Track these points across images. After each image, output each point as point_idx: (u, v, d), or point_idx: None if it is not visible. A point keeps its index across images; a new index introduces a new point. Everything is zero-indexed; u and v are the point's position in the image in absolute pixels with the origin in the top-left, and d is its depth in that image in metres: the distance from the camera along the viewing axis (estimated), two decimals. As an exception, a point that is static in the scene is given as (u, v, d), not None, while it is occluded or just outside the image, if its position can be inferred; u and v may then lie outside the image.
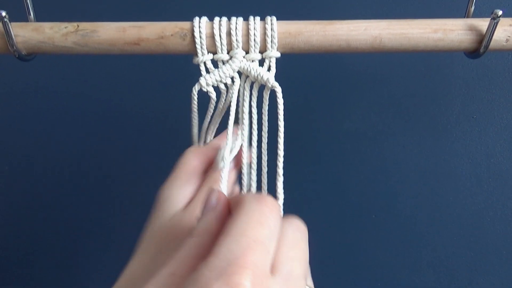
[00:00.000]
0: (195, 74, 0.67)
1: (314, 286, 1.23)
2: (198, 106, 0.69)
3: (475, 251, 1.21)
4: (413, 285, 1.24)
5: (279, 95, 0.64)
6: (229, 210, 0.46)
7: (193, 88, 0.67)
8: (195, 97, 0.68)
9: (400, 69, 1.08)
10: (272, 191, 0.63)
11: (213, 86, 0.67)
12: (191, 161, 0.69)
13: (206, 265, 0.36)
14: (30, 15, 0.69)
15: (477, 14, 0.66)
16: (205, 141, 0.75)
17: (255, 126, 0.68)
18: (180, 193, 0.66)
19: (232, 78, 0.67)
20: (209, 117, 0.72)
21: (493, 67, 1.07)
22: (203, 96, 0.68)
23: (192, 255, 0.41)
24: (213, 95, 0.68)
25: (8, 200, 1.25)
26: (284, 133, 0.66)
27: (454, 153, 1.14)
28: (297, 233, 0.45)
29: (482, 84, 1.08)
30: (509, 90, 1.08)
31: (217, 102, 0.70)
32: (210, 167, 0.70)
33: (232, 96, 0.67)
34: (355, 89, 1.10)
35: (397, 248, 1.22)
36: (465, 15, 0.68)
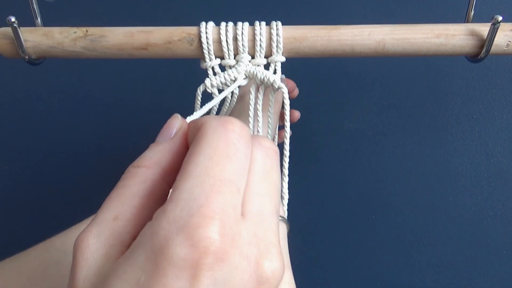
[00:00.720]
0: (201, 76, 0.68)
1: (314, 286, 1.23)
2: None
3: (475, 251, 1.21)
4: (413, 285, 1.24)
5: (286, 95, 0.65)
6: (187, 143, 0.38)
7: (198, 88, 0.68)
8: (199, 96, 0.68)
9: (400, 70, 1.09)
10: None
11: (218, 88, 0.68)
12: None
13: (163, 214, 0.30)
14: (37, 19, 0.69)
15: (477, 18, 0.67)
16: None
17: (260, 129, 0.69)
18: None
19: (235, 81, 0.67)
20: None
21: (493, 68, 1.07)
22: (208, 98, 0.69)
23: (138, 193, 0.34)
24: (216, 96, 0.69)
25: (8, 200, 1.25)
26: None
27: (454, 153, 1.14)
28: (267, 160, 0.37)
29: (482, 84, 1.09)
30: (509, 90, 1.08)
31: (220, 105, 0.71)
32: None
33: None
34: (355, 89, 1.11)
35: (397, 248, 1.22)
36: (465, 19, 0.69)
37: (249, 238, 0.32)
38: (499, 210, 1.17)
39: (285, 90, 0.66)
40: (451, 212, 1.18)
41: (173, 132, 0.38)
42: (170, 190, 0.34)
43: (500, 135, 1.12)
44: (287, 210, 0.66)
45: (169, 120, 0.39)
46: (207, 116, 0.36)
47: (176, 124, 0.39)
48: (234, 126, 0.34)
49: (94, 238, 0.32)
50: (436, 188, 1.17)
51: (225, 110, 0.74)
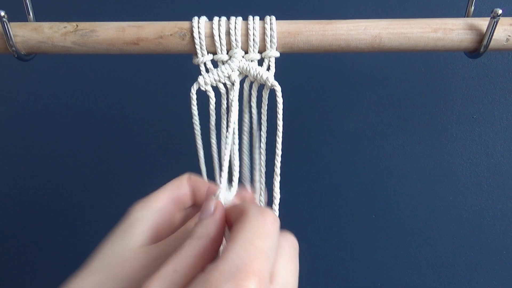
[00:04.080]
0: (194, 73, 0.67)
1: (314, 286, 1.23)
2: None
3: (475, 251, 1.21)
4: (413, 285, 1.24)
5: (279, 94, 0.64)
6: (227, 219, 0.50)
7: (192, 87, 0.67)
8: (194, 97, 0.67)
9: (400, 69, 1.08)
10: (270, 190, 0.63)
11: (212, 86, 0.67)
12: (182, 186, 0.64)
13: (216, 268, 0.39)
14: (30, 15, 0.69)
15: (477, 14, 0.66)
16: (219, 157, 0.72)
17: (255, 126, 0.68)
18: (154, 219, 0.59)
19: (229, 77, 0.66)
20: (213, 124, 0.71)
21: (493, 67, 1.07)
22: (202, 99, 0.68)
23: (194, 255, 0.45)
24: (211, 94, 0.68)
25: (8, 200, 1.25)
26: (283, 132, 0.66)
27: (454, 153, 1.14)
28: (292, 249, 0.49)
29: (482, 84, 1.08)
30: (509, 90, 1.08)
31: (217, 103, 0.70)
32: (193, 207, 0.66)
33: (233, 97, 0.67)
34: (355, 89, 1.10)
35: (397, 248, 1.22)
36: (465, 14, 0.68)
37: None
38: (499, 210, 1.17)
39: (278, 88, 0.65)
40: (451, 212, 1.18)
41: (212, 210, 0.50)
42: (221, 250, 0.47)
43: (500, 135, 1.11)
44: (285, 210, 0.65)
45: (207, 201, 0.51)
46: (248, 204, 0.48)
47: (213, 204, 0.51)
48: (270, 215, 0.46)
49: (157, 283, 0.42)
50: (436, 188, 1.17)
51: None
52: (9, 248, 1.29)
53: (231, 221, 0.50)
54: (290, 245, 0.49)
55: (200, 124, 0.70)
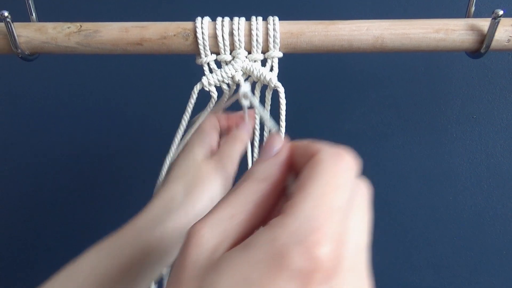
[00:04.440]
0: (198, 73, 0.67)
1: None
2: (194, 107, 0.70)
3: (475, 251, 1.21)
4: (413, 285, 1.24)
5: (282, 95, 0.64)
6: (291, 160, 0.44)
7: (195, 87, 0.67)
8: (195, 95, 0.68)
9: (400, 70, 1.08)
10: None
11: (215, 86, 0.67)
12: (213, 120, 0.78)
13: (283, 226, 0.34)
14: (32, 15, 0.69)
15: (478, 15, 0.66)
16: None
17: (257, 126, 0.68)
18: (208, 142, 0.75)
19: (233, 78, 0.67)
20: (206, 113, 0.73)
21: (493, 67, 1.07)
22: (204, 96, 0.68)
23: (252, 202, 0.40)
24: (214, 95, 0.68)
25: (8, 200, 1.25)
26: (284, 133, 0.66)
27: (454, 153, 1.14)
28: (364, 198, 0.41)
29: (482, 84, 1.08)
30: (509, 90, 1.08)
31: (217, 102, 0.70)
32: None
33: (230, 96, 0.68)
34: (355, 89, 1.10)
35: (397, 248, 1.22)
36: (465, 15, 0.68)
37: (349, 265, 0.35)
38: (499, 210, 1.17)
39: (281, 89, 0.65)
40: (451, 212, 1.18)
41: (277, 149, 0.44)
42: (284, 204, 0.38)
43: (500, 135, 1.11)
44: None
45: (270, 138, 0.45)
46: (321, 144, 0.41)
47: (278, 142, 0.44)
48: (346, 159, 0.39)
49: (209, 229, 0.38)
50: (436, 188, 1.17)
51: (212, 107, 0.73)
52: (9, 248, 1.29)
53: (296, 164, 0.43)
54: (363, 193, 0.41)
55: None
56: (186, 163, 0.73)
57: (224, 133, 0.80)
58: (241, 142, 0.73)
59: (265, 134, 0.70)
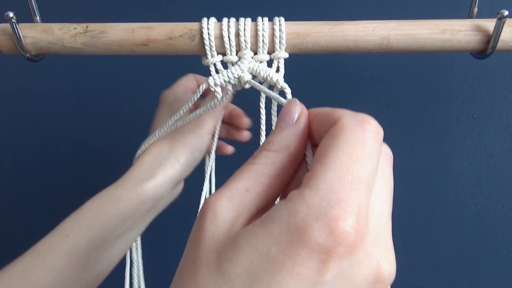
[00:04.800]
0: (204, 73, 0.67)
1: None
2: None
3: (475, 251, 1.21)
4: (413, 285, 1.24)
5: (289, 96, 0.64)
6: (310, 128, 0.42)
7: (201, 86, 0.67)
8: (199, 94, 0.68)
9: (400, 69, 1.08)
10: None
11: (221, 87, 0.67)
12: (190, 79, 0.87)
13: (303, 199, 0.33)
14: (36, 16, 0.69)
15: (481, 15, 0.66)
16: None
17: (263, 127, 0.68)
18: (184, 98, 0.83)
19: (239, 78, 0.67)
20: (206, 109, 0.73)
21: (493, 67, 1.07)
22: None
23: (270, 173, 0.38)
24: (219, 95, 0.68)
25: (8, 200, 1.25)
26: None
27: (454, 153, 1.14)
28: (386, 166, 0.40)
29: (482, 84, 1.08)
30: (509, 90, 1.08)
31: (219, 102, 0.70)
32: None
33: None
34: (355, 89, 1.11)
35: (397, 248, 1.21)
36: (468, 15, 0.68)
37: (372, 238, 0.34)
38: (499, 210, 1.17)
39: (288, 90, 0.65)
40: (451, 212, 1.18)
41: (295, 117, 0.41)
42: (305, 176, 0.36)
43: (500, 135, 1.11)
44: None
45: (288, 106, 0.42)
46: (342, 110, 0.39)
47: (297, 109, 0.42)
48: (371, 126, 0.36)
49: (227, 201, 0.37)
50: (436, 188, 1.17)
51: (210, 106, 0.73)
52: (9, 248, 1.29)
53: (316, 132, 0.41)
54: (387, 160, 0.40)
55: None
56: (166, 119, 0.81)
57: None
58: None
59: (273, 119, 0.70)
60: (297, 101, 0.43)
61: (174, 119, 0.75)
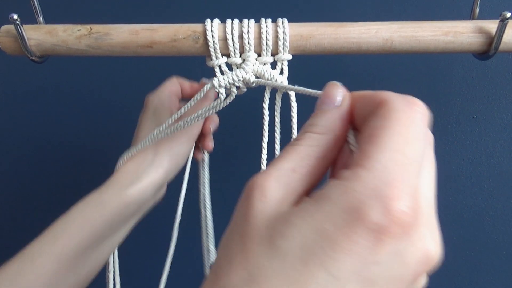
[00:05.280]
0: (207, 75, 0.67)
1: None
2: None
3: (475, 251, 1.21)
4: (413, 285, 1.24)
5: (293, 98, 0.65)
6: (353, 111, 0.42)
7: (205, 86, 0.67)
8: (202, 94, 0.68)
9: (400, 69, 1.08)
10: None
11: (225, 88, 0.68)
12: (174, 83, 0.86)
13: (358, 178, 0.33)
14: (39, 17, 0.69)
15: (482, 16, 0.67)
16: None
17: (266, 128, 0.69)
18: (169, 103, 0.83)
19: (244, 80, 0.67)
20: (208, 109, 0.72)
21: (493, 67, 1.07)
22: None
23: (315, 155, 0.39)
24: (222, 96, 0.68)
25: (8, 200, 1.25)
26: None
27: (454, 153, 1.14)
28: (430, 148, 0.39)
29: (482, 84, 1.08)
30: (509, 90, 1.08)
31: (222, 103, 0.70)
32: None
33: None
34: (355, 89, 1.10)
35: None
36: (470, 16, 0.68)
37: (423, 219, 0.34)
38: (499, 210, 1.17)
39: (292, 93, 0.65)
40: (451, 212, 1.18)
41: (338, 100, 0.41)
42: (354, 155, 0.36)
43: (500, 135, 1.11)
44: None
45: (329, 88, 0.43)
46: (387, 92, 0.38)
47: (340, 92, 0.42)
48: (419, 107, 0.36)
49: (274, 181, 0.37)
50: (436, 188, 1.16)
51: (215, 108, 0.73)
52: (9, 248, 1.29)
53: (359, 115, 0.41)
54: (429, 141, 0.39)
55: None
56: (151, 124, 0.82)
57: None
58: (204, 102, 0.79)
59: (276, 120, 0.69)
60: (338, 84, 0.43)
61: (162, 128, 0.76)
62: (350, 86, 1.08)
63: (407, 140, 0.34)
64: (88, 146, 1.19)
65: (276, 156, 0.43)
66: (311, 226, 0.32)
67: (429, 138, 0.39)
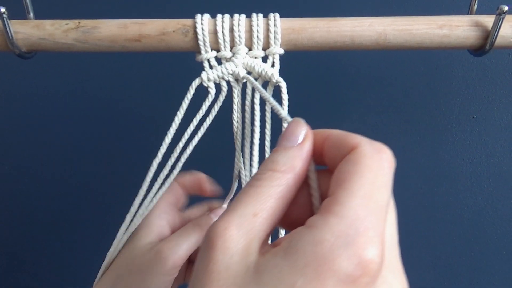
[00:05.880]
0: (198, 73, 0.66)
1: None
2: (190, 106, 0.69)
3: (475, 251, 1.20)
4: (413, 285, 1.23)
5: (284, 90, 0.64)
6: (316, 149, 0.41)
7: (193, 82, 0.66)
8: (192, 90, 0.67)
9: (400, 69, 1.08)
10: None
11: (214, 82, 0.67)
12: (174, 189, 0.74)
13: (328, 226, 0.32)
14: (30, 14, 0.68)
15: (480, 13, 0.66)
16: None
17: (257, 123, 0.67)
18: (157, 223, 0.69)
19: (233, 74, 0.66)
20: (202, 113, 0.71)
21: (493, 67, 1.06)
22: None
23: (274, 195, 0.37)
24: (212, 91, 0.67)
25: (8, 200, 1.24)
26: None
27: (454, 153, 1.13)
28: (390, 191, 0.38)
29: (482, 84, 1.08)
30: (509, 90, 1.08)
31: (213, 101, 0.69)
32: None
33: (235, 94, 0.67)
34: (355, 89, 1.10)
35: (397, 248, 1.22)
36: (468, 13, 0.67)
37: (387, 263, 0.35)
38: (499, 210, 1.17)
39: (283, 84, 0.64)
40: (451, 212, 1.18)
41: (300, 138, 0.40)
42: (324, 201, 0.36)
43: (500, 135, 1.11)
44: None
45: (293, 125, 0.42)
46: (358, 137, 0.39)
47: (303, 130, 0.41)
48: (387, 155, 0.37)
49: (236, 229, 0.35)
50: (436, 188, 1.16)
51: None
52: (9, 248, 1.29)
53: (327, 153, 0.41)
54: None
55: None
56: (125, 249, 0.68)
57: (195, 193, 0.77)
58: (198, 232, 0.68)
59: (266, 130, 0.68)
60: (302, 121, 0.42)
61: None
62: (351, 88, 1.08)
63: (377, 187, 0.35)
64: (86, 145, 1.19)
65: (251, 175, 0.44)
66: (280, 282, 0.32)
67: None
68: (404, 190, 1.17)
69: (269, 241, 0.40)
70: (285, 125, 0.58)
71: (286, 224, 0.40)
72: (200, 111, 0.69)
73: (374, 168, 0.35)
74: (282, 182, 0.38)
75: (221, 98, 0.68)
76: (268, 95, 0.55)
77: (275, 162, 0.39)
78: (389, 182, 0.36)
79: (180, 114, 0.70)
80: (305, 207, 0.40)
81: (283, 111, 0.50)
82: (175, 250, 0.64)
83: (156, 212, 0.70)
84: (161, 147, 0.71)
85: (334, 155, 0.39)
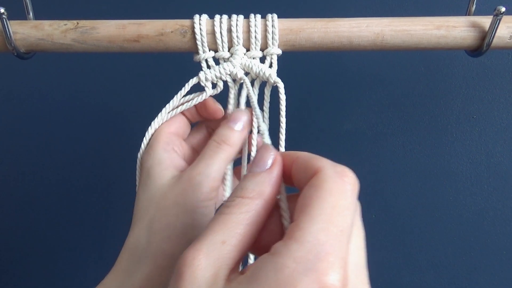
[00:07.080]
0: (196, 74, 0.67)
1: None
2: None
3: (475, 251, 1.20)
4: (413, 285, 1.24)
5: (282, 90, 0.64)
6: (284, 172, 0.42)
7: (190, 80, 0.66)
8: (187, 88, 0.67)
9: (400, 69, 1.08)
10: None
11: (212, 82, 0.67)
12: (166, 128, 0.69)
13: (289, 253, 0.33)
14: (29, 14, 0.68)
15: (478, 14, 0.66)
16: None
17: (255, 124, 0.68)
18: (167, 156, 0.65)
19: (231, 74, 0.66)
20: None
21: (493, 67, 1.06)
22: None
23: (243, 222, 0.38)
24: (209, 91, 0.67)
25: (8, 200, 1.25)
26: (285, 130, 0.66)
27: (454, 153, 1.13)
28: (358, 215, 0.39)
29: (482, 84, 1.08)
30: (509, 90, 1.08)
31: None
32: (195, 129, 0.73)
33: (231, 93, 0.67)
34: (355, 89, 1.10)
35: (397, 248, 1.22)
36: (466, 13, 0.67)
37: (351, 287, 0.34)
38: (499, 210, 1.16)
39: (281, 85, 0.65)
40: (451, 212, 1.18)
41: (268, 163, 0.41)
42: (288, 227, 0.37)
43: (500, 135, 1.11)
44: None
45: (261, 151, 0.42)
46: (322, 160, 0.39)
47: (271, 155, 0.41)
48: (350, 179, 0.37)
49: (204, 258, 0.35)
50: (436, 188, 1.16)
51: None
52: (9, 248, 1.29)
53: (295, 176, 0.41)
54: (358, 211, 0.40)
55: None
56: (145, 194, 0.63)
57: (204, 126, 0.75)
58: (228, 147, 0.63)
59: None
60: (271, 147, 0.43)
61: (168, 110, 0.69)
62: (350, 88, 1.09)
63: (339, 211, 0.35)
64: (86, 145, 1.19)
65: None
66: None
67: (357, 207, 0.39)
68: (404, 190, 1.17)
69: (240, 268, 0.40)
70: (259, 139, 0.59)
71: (258, 249, 0.40)
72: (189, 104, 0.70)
73: (335, 192, 0.36)
74: (251, 208, 0.38)
75: (216, 92, 0.69)
76: (256, 104, 0.56)
77: (244, 189, 0.39)
78: (351, 205, 0.36)
79: (170, 107, 0.69)
80: (276, 232, 0.40)
81: (264, 126, 0.51)
82: (206, 173, 0.60)
83: (160, 147, 0.66)
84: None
85: (301, 178, 0.40)
